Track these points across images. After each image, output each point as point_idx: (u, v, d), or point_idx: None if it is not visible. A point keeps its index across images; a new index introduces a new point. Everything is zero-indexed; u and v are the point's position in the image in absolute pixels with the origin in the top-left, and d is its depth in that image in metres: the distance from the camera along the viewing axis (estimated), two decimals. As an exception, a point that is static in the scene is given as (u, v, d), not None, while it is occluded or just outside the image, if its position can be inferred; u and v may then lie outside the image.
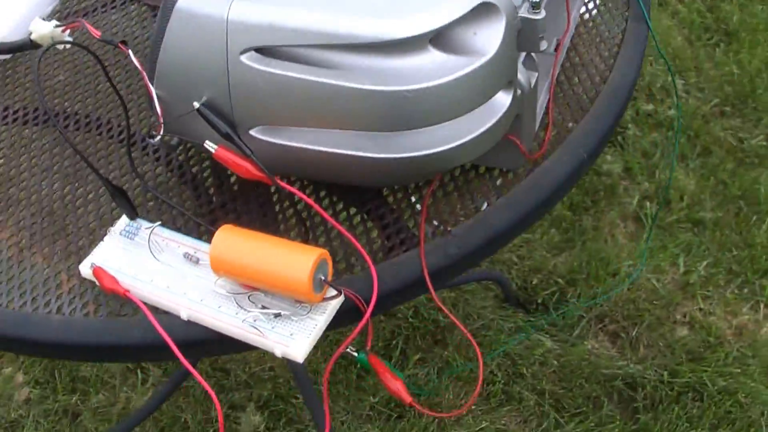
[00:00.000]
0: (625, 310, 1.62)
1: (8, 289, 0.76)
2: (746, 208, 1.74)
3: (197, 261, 0.75)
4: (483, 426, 1.48)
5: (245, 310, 0.71)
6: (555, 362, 1.56)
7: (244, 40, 0.66)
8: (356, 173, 0.71)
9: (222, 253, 0.70)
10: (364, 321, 0.70)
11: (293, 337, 0.69)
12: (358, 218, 0.78)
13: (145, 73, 0.72)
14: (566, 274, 1.67)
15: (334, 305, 0.70)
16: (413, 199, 0.78)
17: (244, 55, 0.66)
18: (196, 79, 0.69)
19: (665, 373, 1.52)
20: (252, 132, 0.70)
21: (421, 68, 0.65)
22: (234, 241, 0.70)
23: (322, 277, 0.68)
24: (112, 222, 0.78)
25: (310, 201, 0.70)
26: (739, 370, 1.50)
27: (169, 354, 0.69)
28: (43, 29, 0.82)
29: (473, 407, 1.51)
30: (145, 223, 0.78)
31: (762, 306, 1.60)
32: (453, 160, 0.71)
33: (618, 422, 1.47)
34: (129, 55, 0.73)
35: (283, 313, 0.70)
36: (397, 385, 0.73)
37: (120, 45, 0.74)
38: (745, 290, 1.62)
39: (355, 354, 0.74)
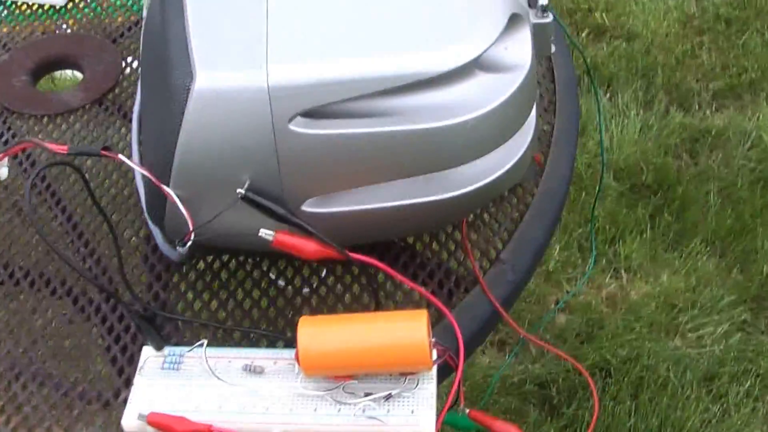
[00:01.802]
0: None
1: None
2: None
3: (261, 371, 0.67)
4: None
5: (348, 404, 0.65)
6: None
7: (290, 106, 0.60)
8: (418, 221, 0.68)
9: (314, 347, 0.63)
10: (459, 374, 0.67)
11: (416, 415, 0.64)
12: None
13: (152, 176, 0.64)
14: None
15: (434, 370, 0.66)
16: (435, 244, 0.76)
17: (292, 122, 0.61)
18: (234, 163, 0.62)
19: (566, 363, 1.56)
20: (304, 208, 0.64)
21: (473, 94, 0.63)
22: (323, 330, 0.64)
23: (433, 339, 0.64)
24: (116, 367, 0.69)
25: (384, 266, 0.65)
26: (632, 336, 1.58)
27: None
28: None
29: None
30: (178, 349, 0.69)
31: (622, 271, 1.70)
32: (510, 181, 0.69)
33: (547, 423, 1.49)
34: (122, 160, 0.65)
35: (393, 392, 0.65)
36: (511, 430, 0.70)
37: (105, 152, 0.65)
38: (603, 261, 1.71)
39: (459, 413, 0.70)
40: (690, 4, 2.13)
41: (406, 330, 0.63)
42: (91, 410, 0.68)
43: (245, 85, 0.60)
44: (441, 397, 0.65)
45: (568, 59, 0.90)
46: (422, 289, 0.68)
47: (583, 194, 1.80)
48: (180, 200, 0.64)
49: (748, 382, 1.50)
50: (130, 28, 0.99)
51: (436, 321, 0.70)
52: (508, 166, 0.67)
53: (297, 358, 0.64)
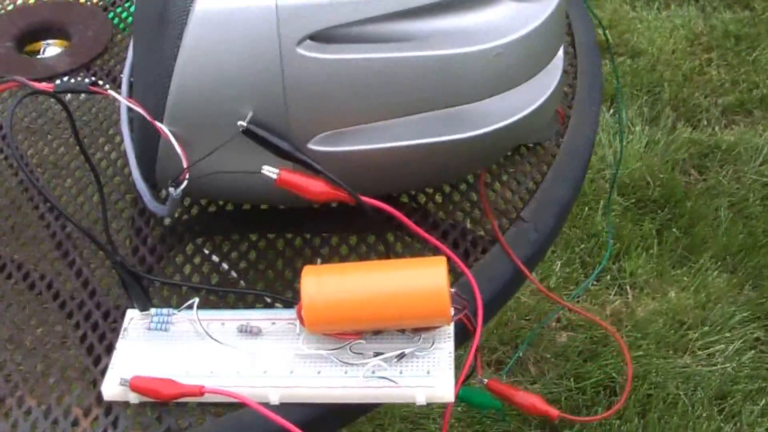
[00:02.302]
0: (500, 334, 1.59)
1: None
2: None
3: (259, 332, 0.61)
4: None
5: (356, 364, 0.58)
6: (458, 409, 1.49)
7: (299, 28, 0.55)
8: (435, 166, 0.62)
9: (320, 298, 0.57)
10: (476, 338, 0.61)
11: (433, 376, 0.58)
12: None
13: (145, 112, 0.58)
14: None
15: (452, 327, 0.60)
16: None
17: (301, 45, 0.55)
18: (235, 94, 0.56)
19: (570, 381, 1.50)
20: (311, 146, 0.59)
21: (500, 19, 0.58)
22: (330, 279, 0.58)
23: (453, 290, 0.57)
24: (96, 332, 0.63)
25: (398, 213, 0.59)
26: (639, 353, 1.52)
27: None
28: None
29: None
30: (167, 310, 0.63)
31: (628, 288, 1.64)
32: (536, 125, 0.64)
33: (553, 445, 1.43)
34: (113, 95, 0.59)
35: (406, 351, 0.58)
36: (535, 401, 0.64)
37: (93, 88, 0.60)
38: (607, 277, 1.65)
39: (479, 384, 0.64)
40: (697, 23, 2.09)
41: (424, 276, 0.57)
42: (68, 378, 0.62)
43: (251, 4, 0.55)
44: (456, 368, 0.59)
45: (588, 24, 0.85)
46: (438, 242, 0.61)
47: (586, 209, 1.75)
48: (175, 138, 0.58)
49: (763, 401, 1.43)
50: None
51: (452, 281, 0.64)
52: (534, 106, 0.62)
53: (299, 314, 0.58)
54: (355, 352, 0.59)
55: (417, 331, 0.59)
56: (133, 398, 0.59)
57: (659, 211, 1.73)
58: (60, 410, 0.60)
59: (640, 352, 1.52)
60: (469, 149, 0.61)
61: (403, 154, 0.60)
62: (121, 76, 0.80)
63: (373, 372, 0.58)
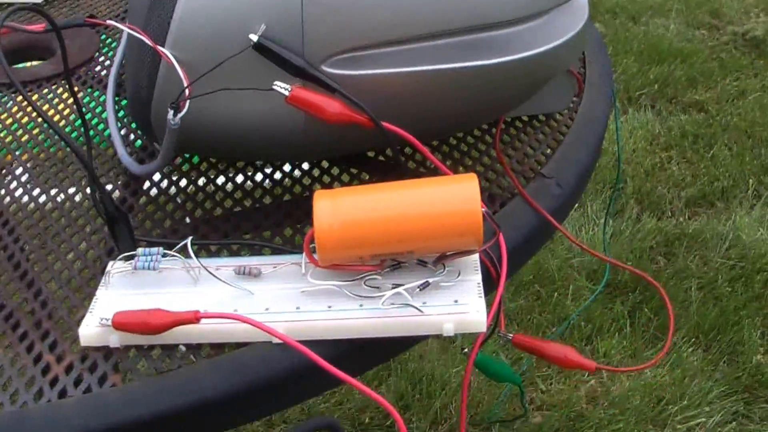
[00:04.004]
0: (471, 415, 1.48)
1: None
2: (542, 290, 1.71)
3: (258, 273, 0.52)
4: None
5: (372, 297, 0.49)
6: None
7: None
8: (455, 101, 0.54)
9: (337, 219, 0.48)
10: (500, 288, 0.52)
11: (462, 303, 0.48)
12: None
13: (147, 38, 0.51)
14: (397, 400, 1.50)
15: (478, 259, 0.52)
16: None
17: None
18: (247, 8, 0.49)
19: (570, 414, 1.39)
20: (325, 67, 0.51)
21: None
22: (348, 199, 0.49)
23: (484, 209, 0.49)
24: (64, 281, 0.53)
25: (417, 141, 0.52)
26: (618, 427, 1.42)
27: (292, 391, 0.46)
28: None
29: None
30: (156, 249, 0.53)
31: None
32: (561, 63, 0.57)
33: None
34: (112, 24, 0.52)
35: (431, 280, 0.49)
36: (568, 352, 0.55)
37: (90, 20, 0.52)
38: (582, 357, 1.56)
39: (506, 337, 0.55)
40: (654, 125, 2.08)
41: (455, 191, 0.48)
42: (41, 328, 0.52)
43: None
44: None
45: (592, 25, 0.80)
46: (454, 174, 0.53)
47: (556, 294, 1.67)
48: (178, 63, 0.50)
49: (749, 473, 1.33)
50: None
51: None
52: (561, 40, 0.55)
53: (307, 245, 0.49)
54: (370, 286, 0.50)
55: (440, 263, 0.51)
56: (115, 340, 0.49)
57: (630, 294, 1.66)
58: (29, 358, 0.49)
59: (620, 426, 1.42)
60: (497, 80, 0.54)
61: (423, 81, 0.52)
62: (107, 80, 0.73)
63: (393, 303, 0.48)
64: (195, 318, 0.47)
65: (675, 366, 1.52)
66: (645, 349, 1.57)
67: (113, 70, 0.68)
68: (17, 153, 0.66)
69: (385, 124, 0.51)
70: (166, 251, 0.52)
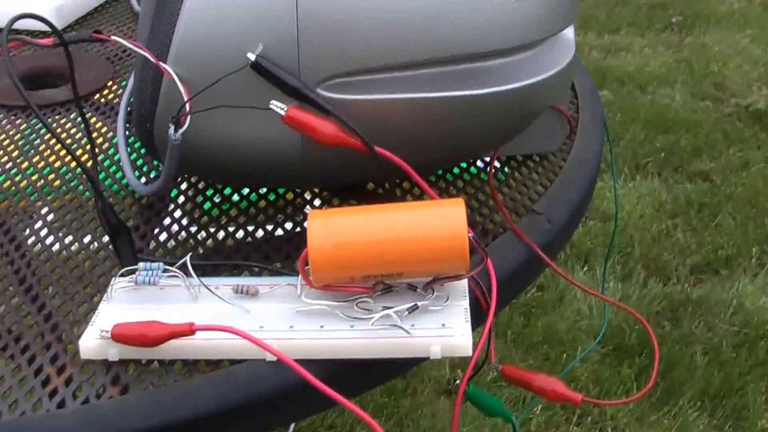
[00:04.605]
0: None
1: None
2: (551, 351, 1.70)
3: (256, 293, 0.53)
4: None
5: (363, 318, 0.50)
6: None
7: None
8: (449, 132, 0.56)
9: (329, 239, 0.49)
10: (490, 319, 0.53)
11: (449, 327, 0.49)
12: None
13: (150, 54, 0.53)
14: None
15: (466, 285, 0.53)
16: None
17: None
18: (245, 29, 0.51)
19: None
20: (321, 90, 0.53)
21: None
22: (341, 220, 0.50)
23: (471, 235, 0.50)
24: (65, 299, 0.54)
25: (411, 170, 0.53)
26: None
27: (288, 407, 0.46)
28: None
29: None
30: (156, 264, 0.54)
31: (609, 430, 1.54)
32: (555, 92, 0.59)
33: None
34: (117, 41, 0.54)
35: (419, 304, 0.50)
36: (555, 386, 0.55)
37: (96, 35, 0.55)
38: (588, 421, 1.55)
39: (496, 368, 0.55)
40: (661, 193, 2.09)
41: (442, 216, 0.49)
42: (43, 342, 0.53)
43: None
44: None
45: (585, 73, 0.82)
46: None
47: (564, 355, 1.67)
48: (179, 80, 0.52)
49: None
50: (126, 53, 0.90)
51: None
52: (552, 71, 0.57)
53: (302, 264, 0.51)
54: (361, 308, 0.51)
55: (429, 288, 0.52)
56: (114, 354, 0.50)
57: (636, 357, 1.65)
58: (30, 370, 0.50)
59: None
60: (487, 111, 0.55)
61: (417, 109, 0.54)
62: (119, 107, 0.75)
63: (383, 325, 0.49)
64: (190, 330, 0.48)
65: (681, 430, 1.50)
66: (651, 413, 1.56)
67: (125, 97, 0.70)
68: (25, 169, 0.68)
69: (381, 150, 0.53)
70: (166, 266, 0.53)
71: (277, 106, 0.52)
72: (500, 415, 0.60)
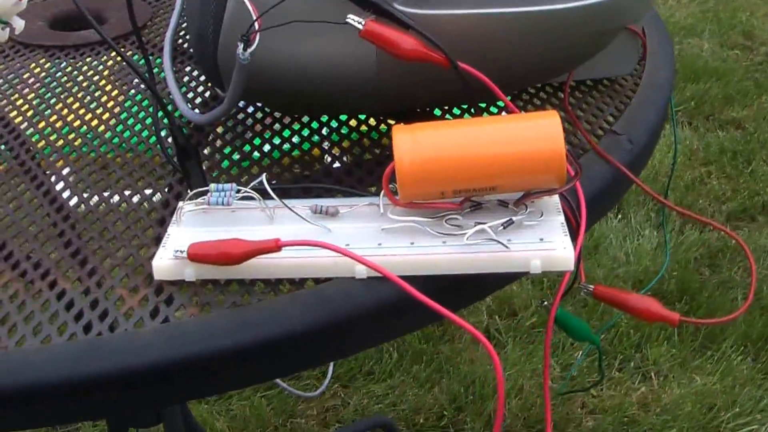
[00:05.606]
0: (522, 419, 1.44)
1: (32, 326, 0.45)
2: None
3: (336, 212, 0.49)
4: None
5: (455, 234, 0.46)
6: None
7: None
8: (532, 46, 0.52)
9: (418, 153, 0.45)
10: (580, 238, 0.49)
11: (548, 241, 0.45)
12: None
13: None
14: (450, 403, 1.46)
15: (557, 199, 0.49)
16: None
17: None
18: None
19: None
20: (398, 5, 0.49)
21: None
22: (429, 134, 0.46)
23: (567, 147, 0.46)
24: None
25: (496, 88, 0.49)
26: (672, 433, 1.37)
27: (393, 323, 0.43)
28: None
29: None
30: (229, 185, 0.51)
31: (652, 375, 1.50)
32: (630, 12, 0.55)
33: None
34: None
35: (515, 219, 0.46)
36: (651, 305, 0.51)
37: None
38: (630, 365, 1.52)
39: (584, 291, 0.51)
40: (692, 141, 2.04)
41: (538, 127, 0.45)
42: (109, 266, 0.49)
43: None
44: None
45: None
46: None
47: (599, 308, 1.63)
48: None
49: (806, 478, 1.27)
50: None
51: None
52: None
53: (386, 182, 0.47)
54: (451, 225, 0.47)
55: (521, 204, 0.48)
56: (190, 274, 0.46)
57: (676, 303, 1.61)
58: (100, 292, 0.47)
59: (671, 433, 1.37)
60: (563, 27, 0.51)
61: (497, 25, 0.50)
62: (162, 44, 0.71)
63: (477, 240, 0.45)
64: (276, 245, 0.44)
65: (725, 374, 1.47)
66: (693, 359, 1.52)
67: (169, 32, 0.66)
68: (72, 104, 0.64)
69: (464, 65, 0.49)
70: (240, 187, 0.49)
71: (355, 20, 0.48)
72: (587, 339, 0.56)
